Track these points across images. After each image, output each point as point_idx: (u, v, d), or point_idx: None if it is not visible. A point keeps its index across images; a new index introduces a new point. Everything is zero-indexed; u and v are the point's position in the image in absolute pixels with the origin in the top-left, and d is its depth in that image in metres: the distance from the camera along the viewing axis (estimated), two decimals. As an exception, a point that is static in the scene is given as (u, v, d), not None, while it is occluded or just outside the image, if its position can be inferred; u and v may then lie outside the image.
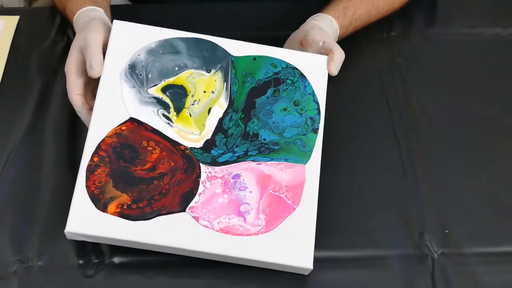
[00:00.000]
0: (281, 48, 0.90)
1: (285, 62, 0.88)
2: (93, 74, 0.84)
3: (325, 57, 0.89)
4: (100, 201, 0.77)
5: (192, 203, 0.79)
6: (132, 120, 0.82)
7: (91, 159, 0.79)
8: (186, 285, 0.81)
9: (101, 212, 0.77)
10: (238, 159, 0.82)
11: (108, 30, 0.88)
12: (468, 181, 0.90)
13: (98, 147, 0.80)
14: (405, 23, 1.08)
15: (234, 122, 0.84)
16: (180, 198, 0.79)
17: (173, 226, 0.77)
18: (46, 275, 0.80)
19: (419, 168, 0.90)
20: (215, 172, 0.81)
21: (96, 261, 0.81)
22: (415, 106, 0.97)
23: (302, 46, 0.93)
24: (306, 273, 0.79)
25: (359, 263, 0.82)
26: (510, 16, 1.11)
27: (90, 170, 0.79)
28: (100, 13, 0.93)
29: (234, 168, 0.81)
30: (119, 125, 0.82)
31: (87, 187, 0.78)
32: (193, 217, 0.78)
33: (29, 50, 1.03)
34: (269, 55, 0.88)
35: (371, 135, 0.94)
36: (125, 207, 0.77)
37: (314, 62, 0.88)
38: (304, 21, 0.99)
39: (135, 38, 0.86)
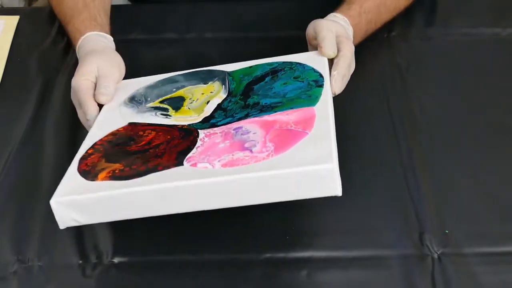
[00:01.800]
0: (275, 57, 0.90)
1: (281, 61, 0.88)
2: (103, 100, 0.85)
3: (325, 58, 0.87)
4: (90, 174, 0.72)
5: (189, 155, 0.72)
6: (130, 123, 0.82)
7: (86, 152, 0.77)
8: (186, 285, 0.80)
9: (91, 182, 0.71)
10: (238, 120, 0.77)
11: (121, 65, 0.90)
12: (468, 181, 0.90)
13: (94, 144, 0.79)
14: (405, 23, 1.08)
15: (233, 102, 0.82)
16: (177, 155, 0.72)
17: (170, 175, 0.68)
18: (46, 275, 0.80)
19: (419, 168, 0.90)
20: (214, 131, 0.76)
21: (96, 261, 0.81)
22: (415, 106, 0.97)
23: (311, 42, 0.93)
24: (337, 189, 0.69)
25: (359, 263, 0.82)
26: (510, 16, 1.11)
27: (83, 158, 0.76)
28: (112, 44, 0.94)
29: (235, 124, 0.76)
30: (116, 129, 0.81)
31: (78, 168, 0.74)
32: (191, 165, 0.69)
33: (29, 50, 1.03)
34: (264, 62, 0.88)
35: (371, 135, 0.94)
36: (116, 171, 0.71)
37: (311, 56, 0.87)
38: (304, 20, 0.99)
39: (135, 83, 0.89)
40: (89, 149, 0.78)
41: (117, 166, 0.72)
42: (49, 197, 0.86)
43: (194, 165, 0.69)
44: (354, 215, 0.84)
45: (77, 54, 0.94)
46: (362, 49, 1.05)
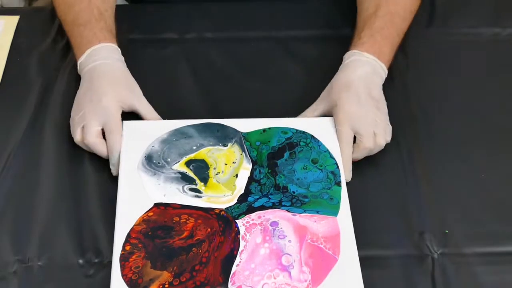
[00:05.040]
0: (286, 118, 0.90)
1: (294, 128, 0.89)
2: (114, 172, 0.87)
3: (331, 118, 0.89)
4: (139, 286, 0.74)
5: (233, 268, 0.76)
6: (157, 205, 0.81)
7: (123, 249, 0.77)
8: (186, 285, 0.81)
9: None
10: (273, 206, 0.81)
11: (129, 83, 0.92)
12: (468, 181, 0.90)
13: (128, 236, 0.78)
14: (405, 23, 1.08)
15: (264, 174, 0.85)
16: (221, 265, 0.76)
17: None
18: (46, 275, 0.80)
19: (419, 168, 0.90)
20: (253, 220, 0.80)
21: (96, 261, 0.81)
22: (415, 106, 0.97)
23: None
24: None
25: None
26: (510, 16, 1.11)
27: (124, 259, 0.76)
28: (122, 59, 0.95)
29: (271, 214, 0.81)
30: (145, 213, 0.80)
31: (124, 275, 0.75)
32: None
33: (29, 50, 1.03)
34: (277, 126, 0.89)
35: (371, 135, 0.94)
36: (166, 285, 0.74)
37: (322, 125, 0.89)
38: (304, 20, 0.99)
39: (146, 133, 0.88)
40: (125, 243, 0.78)
41: (166, 276, 0.75)
42: (49, 197, 0.86)
43: None
44: (354, 215, 0.84)
45: (84, 57, 0.93)
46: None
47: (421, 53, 1.05)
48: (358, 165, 0.89)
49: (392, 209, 0.86)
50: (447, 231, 0.84)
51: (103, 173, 0.88)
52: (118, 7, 1.04)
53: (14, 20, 1.07)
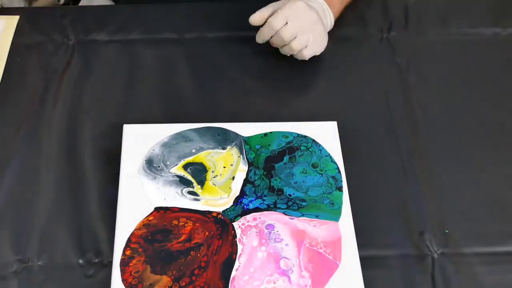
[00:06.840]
0: (289, 122, 0.91)
1: (296, 133, 0.89)
2: None
3: (334, 123, 0.90)
4: None
5: (233, 273, 0.76)
6: (157, 209, 0.81)
7: (123, 254, 0.78)
8: (186, 285, 0.81)
9: None
10: (268, 208, 0.81)
11: None
12: (468, 181, 0.90)
13: (129, 241, 0.79)
14: (405, 23, 1.08)
15: (259, 176, 0.85)
16: (221, 269, 0.77)
17: None
18: (46, 275, 0.80)
19: (419, 168, 0.90)
20: (248, 222, 0.80)
21: (96, 261, 0.81)
22: (415, 106, 0.97)
23: None
24: None
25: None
26: (510, 16, 1.11)
27: (124, 264, 0.77)
28: None
29: (266, 217, 0.81)
30: (145, 217, 0.81)
31: (124, 280, 0.76)
32: None
33: (29, 50, 1.03)
34: (279, 130, 0.89)
35: (371, 135, 0.94)
36: None
37: (324, 129, 0.89)
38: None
39: (146, 137, 0.88)
40: (126, 248, 0.78)
41: (165, 281, 0.75)
42: (49, 197, 0.86)
43: None
44: (354, 215, 0.84)
45: None
46: (362, 49, 1.05)
47: (421, 53, 1.05)
48: (358, 165, 0.89)
49: (392, 209, 0.86)
50: (447, 231, 0.84)
51: (103, 173, 0.88)
52: (118, 7, 1.04)
53: (14, 20, 1.07)
